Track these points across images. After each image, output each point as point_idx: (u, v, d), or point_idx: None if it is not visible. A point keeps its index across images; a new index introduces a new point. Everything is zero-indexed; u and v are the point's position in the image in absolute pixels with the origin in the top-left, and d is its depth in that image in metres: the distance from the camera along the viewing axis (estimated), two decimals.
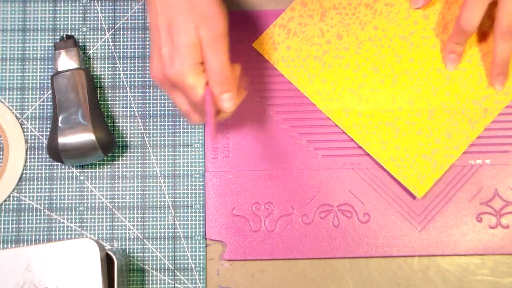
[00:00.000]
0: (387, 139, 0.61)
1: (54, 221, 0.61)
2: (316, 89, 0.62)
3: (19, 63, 0.63)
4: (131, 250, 0.60)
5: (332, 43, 0.62)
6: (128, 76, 0.63)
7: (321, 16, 0.62)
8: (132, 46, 0.63)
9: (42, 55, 0.63)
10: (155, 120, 0.62)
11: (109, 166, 0.62)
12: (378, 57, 0.62)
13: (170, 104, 0.63)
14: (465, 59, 0.61)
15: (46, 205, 0.61)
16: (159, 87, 0.55)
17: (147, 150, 0.62)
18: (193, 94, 0.51)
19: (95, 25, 0.64)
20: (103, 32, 0.64)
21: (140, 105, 0.63)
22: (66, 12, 0.64)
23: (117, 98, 0.63)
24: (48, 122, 0.62)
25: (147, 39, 0.63)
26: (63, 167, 0.62)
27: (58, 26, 0.64)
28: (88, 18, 0.64)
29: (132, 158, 0.62)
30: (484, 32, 0.61)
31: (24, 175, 0.62)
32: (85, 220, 0.61)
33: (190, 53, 0.50)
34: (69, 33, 0.63)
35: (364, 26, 0.62)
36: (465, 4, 0.57)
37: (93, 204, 0.61)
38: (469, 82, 0.61)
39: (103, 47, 0.63)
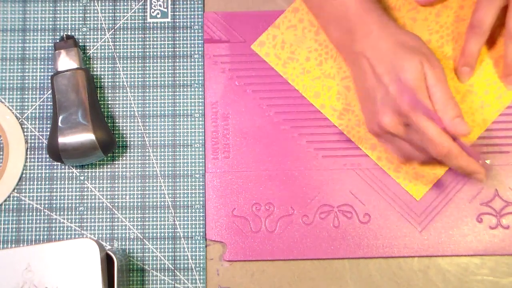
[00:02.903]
0: None
1: (54, 221, 0.61)
2: (316, 90, 0.62)
3: (19, 63, 0.63)
4: (131, 250, 0.60)
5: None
6: (128, 76, 0.63)
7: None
8: (132, 46, 0.63)
9: (42, 55, 0.63)
10: (155, 120, 0.62)
11: (109, 166, 0.62)
12: None
13: (170, 104, 0.63)
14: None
15: (46, 205, 0.61)
16: (383, 135, 0.56)
17: (147, 150, 0.62)
18: (429, 122, 0.53)
19: (95, 25, 0.64)
20: (103, 32, 0.64)
21: (140, 105, 0.63)
22: (66, 12, 0.64)
23: (117, 98, 0.63)
24: (48, 122, 0.62)
25: (147, 39, 0.63)
26: (63, 167, 0.62)
27: (58, 26, 0.64)
28: (88, 18, 0.64)
29: (132, 158, 0.62)
30: (495, 38, 0.61)
31: (24, 175, 0.62)
32: (85, 220, 0.61)
33: (420, 86, 0.53)
34: (69, 33, 0.63)
35: None
36: (477, 7, 0.58)
37: (93, 204, 0.61)
38: (470, 86, 0.61)
39: (103, 47, 0.63)
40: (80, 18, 0.64)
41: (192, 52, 0.63)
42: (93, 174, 0.62)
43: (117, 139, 0.62)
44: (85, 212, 0.61)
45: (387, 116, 0.54)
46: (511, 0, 0.57)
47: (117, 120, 0.62)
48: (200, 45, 0.63)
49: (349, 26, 0.56)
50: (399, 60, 0.54)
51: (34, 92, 0.63)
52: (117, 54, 0.63)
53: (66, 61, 0.61)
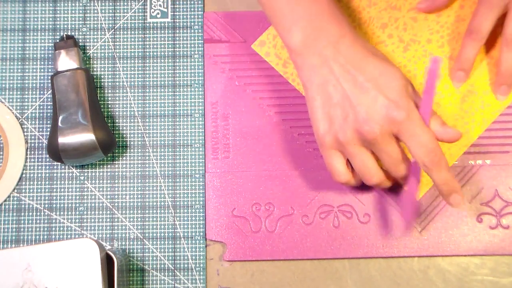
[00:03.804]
0: None
1: (54, 221, 0.61)
2: None
3: (19, 63, 0.63)
4: (131, 250, 0.60)
5: None
6: (128, 76, 0.63)
7: None
8: (132, 46, 0.63)
9: (42, 55, 0.63)
10: (155, 120, 0.62)
11: (109, 166, 0.62)
12: None
13: (170, 104, 0.63)
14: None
15: (46, 205, 0.61)
16: (378, 135, 0.51)
17: (147, 150, 0.62)
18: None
19: (95, 25, 0.64)
20: (103, 32, 0.64)
21: (140, 105, 0.63)
22: (66, 12, 0.64)
23: (117, 98, 0.63)
24: (48, 122, 0.62)
25: (147, 39, 0.63)
26: (63, 167, 0.62)
27: (58, 26, 0.64)
28: (88, 18, 0.64)
29: (132, 158, 0.62)
30: (491, 45, 0.61)
31: (24, 175, 0.62)
32: (85, 220, 0.61)
33: (405, 95, 0.52)
34: (69, 33, 0.63)
35: (365, 25, 0.62)
36: (475, 14, 0.58)
37: (93, 204, 0.61)
38: (470, 86, 0.61)
39: (103, 47, 0.63)
40: (80, 18, 0.64)
41: (192, 52, 0.63)
42: (93, 174, 0.62)
43: (117, 139, 0.62)
44: (85, 212, 0.61)
45: (373, 123, 0.51)
46: (511, 8, 0.57)
47: (117, 120, 0.62)
48: (200, 45, 0.63)
49: (322, 25, 0.53)
50: (385, 66, 0.52)
51: (34, 92, 0.63)
52: (117, 54, 0.63)
53: (66, 61, 0.61)
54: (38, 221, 0.61)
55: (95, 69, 0.63)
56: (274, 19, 0.55)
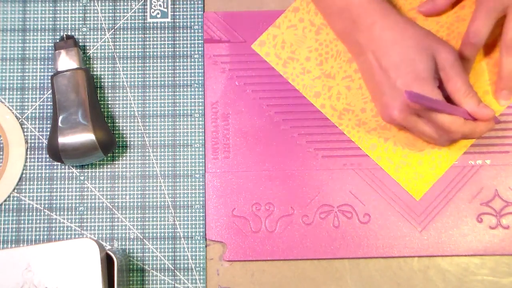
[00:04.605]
0: (386, 141, 0.61)
1: (54, 221, 0.61)
2: (316, 90, 0.62)
3: (19, 63, 0.63)
4: (131, 250, 0.60)
5: (333, 44, 0.62)
6: (128, 76, 0.63)
7: (323, 20, 0.62)
8: (132, 46, 0.63)
9: (42, 55, 0.63)
10: (155, 120, 0.62)
11: (109, 166, 0.62)
12: None
13: (170, 104, 0.63)
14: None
15: (46, 205, 0.61)
16: (401, 122, 0.56)
17: (147, 150, 0.62)
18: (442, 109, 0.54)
19: (95, 25, 0.64)
20: (103, 32, 0.64)
21: (140, 105, 0.63)
22: (66, 12, 0.64)
23: (117, 98, 0.63)
24: (48, 122, 0.62)
25: (147, 39, 0.63)
26: (63, 167, 0.62)
27: (58, 26, 0.64)
28: (88, 18, 0.64)
29: (132, 158, 0.62)
30: (491, 45, 0.61)
31: (24, 175, 0.62)
32: (85, 220, 0.61)
33: (431, 77, 0.54)
34: (69, 33, 0.63)
35: None
36: (474, 17, 0.58)
37: (93, 204, 0.61)
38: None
39: (103, 47, 0.63)
40: (80, 18, 0.64)
41: (192, 52, 0.63)
42: (93, 174, 0.62)
43: (117, 139, 0.62)
44: (85, 212, 0.61)
45: (396, 110, 0.55)
46: (510, 12, 0.57)
47: (117, 120, 0.62)
48: (200, 45, 0.63)
49: (352, 17, 0.56)
50: (407, 51, 0.54)
51: (34, 92, 0.63)
52: (117, 54, 0.63)
53: (66, 61, 0.61)
54: (38, 221, 0.61)
55: (95, 69, 0.63)
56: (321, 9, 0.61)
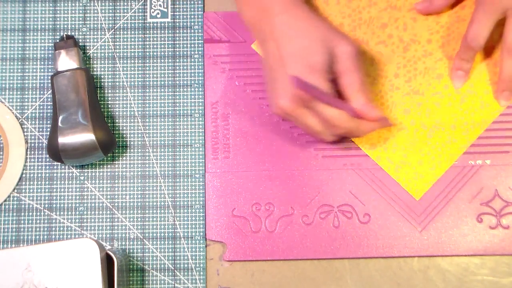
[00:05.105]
0: (386, 140, 0.61)
1: (54, 221, 0.61)
2: None
3: (19, 63, 0.63)
4: (131, 250, 0.60)
5: None
6: (128, 76, 0.63)
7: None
8: (132, 46, 0.63)
9: (42, 55, 0.63)
10: (155, 120, 0.62)
11: (109, 166, 0.62)
12: (379, 60, 0.62)
13: (170, 104, 0.63)
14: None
15: (46, 205, 0.61)
16: (285, 116, 0.56)
17: (147, 150, 0.62)
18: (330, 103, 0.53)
19: (95, 25, 0.64)
20: (103, 32, 0.64)
21: (140, 105, 0.63)
22: (66, 12, 0.64)
23: (117, 98, 0.63)
24: (48, 122, 0.62)
25: (147, 39, 0.63)
26: (63, 167, 0.62)
27: (58, 26, 0.64)
28: (88, 18, 0.64)
29: (132, 158, 0.62)
30: (492, 45, 0.61)
31: (24, 175, 0.62)
32: (85, 220, 0.61)
33: (324, 69, 0.53)
34: (69, 33, 0.63)
35: (365, 25, 0.62)
36: (473, 20, 0.57)
37: (93, 204, 0.61)
38: (470, 86, 0.61)
39: (103, 47, 0.63)
40: (80, 18, 0.64)
41: (192, 52, 0.63)
42: (93, 174, 0.62)
43: (117, 139, 0.62)
44: (85, 212, 0.61)
45: (284, 99, 0.54)
46: (510, 15, 0.57)
47: (117, 120, 0.62)
48: (200, 45, 0.63)
49: (262, 6, 0.55)
50: (306, 42, 0.54)
51: (34, 92, 0.63)
52: (117, 54, 0.63)
53: (66, 61, 0.61)
54: (38, 221, 0.61)
55: (95, 69, 0.63)
56: None
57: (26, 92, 0.63)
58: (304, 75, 0.53)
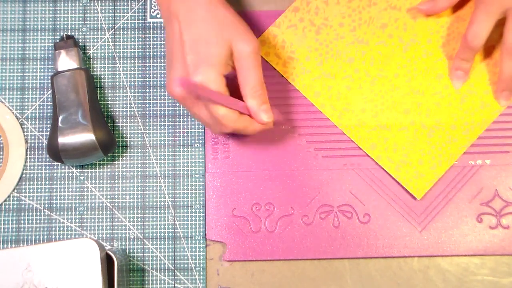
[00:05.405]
0: (386, 140, 0.61)
1: (54, 221, 0.61)
2: (316, 89, 0.62)
3: (19, 63, 0.63)
4: (131, 250, 0.60)
5: (333, 44, 0.62)
6: (128, 76, 0.63)
7: (324, 20, 0.62)
8: (132, 46, 0.63)
9: (42, 55, 0.63)
10: (155, 120, 0.62)
11: (109, 166, 0.62)
12: (379, 60, 0.62)
13: (170, 104, 0.63)
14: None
15: (46, 205, 0.61)
16: (179, 100, 0.55)
17: (147, 150, 0.62)
18: (219, 101, 0.52)
19: (95, 25, 0.64)
20: (103, 32, 0.64)
21: (140, 105, 0.63)
22: (66, 12, 0.64)
23: (117, 98, 0.63)
24: (48, 122, 0.62)
25: (147, 39, 0.63)
26: (63, 167, 0.62)
27: (58, 26, 0.64)
28: (88, 18, 0.64)
29: (132, 158, 0.62)
30: (491, 45, 0.61)
31: (24, 175, 0.62)
32: (85, 220, 0.61)
33: (220, 63, 0.52)
34: (69, 33, 0.63)
35: (365, 25, 0.62)
36: (473, 20, 0.57)
37: (93, 204, 0.61)
38: (470, 86, 0.61)
39: (103, 47, 0.63)
40: (80, 18, 0.64)
41: None
42: (93, 174, 0.62)
43: (117, 139, 0.62)
44: (85, 212, 0.61)
45: (177, 87, 0.53)
46: (510, 15, 0.57)
47: (117, 120, 0.62)
48: None
49: None
50: (208, 31, 0.53)
51: (34, 92, 0.63)
52: (117, 54, 0.63)
53: (66, 61, 0.61)
54: (38, 221, 0.61)
55: (95, 69, 0.63)
56: None
57: (26, 92, 0.63)
58: (201, 66, 0.52)
